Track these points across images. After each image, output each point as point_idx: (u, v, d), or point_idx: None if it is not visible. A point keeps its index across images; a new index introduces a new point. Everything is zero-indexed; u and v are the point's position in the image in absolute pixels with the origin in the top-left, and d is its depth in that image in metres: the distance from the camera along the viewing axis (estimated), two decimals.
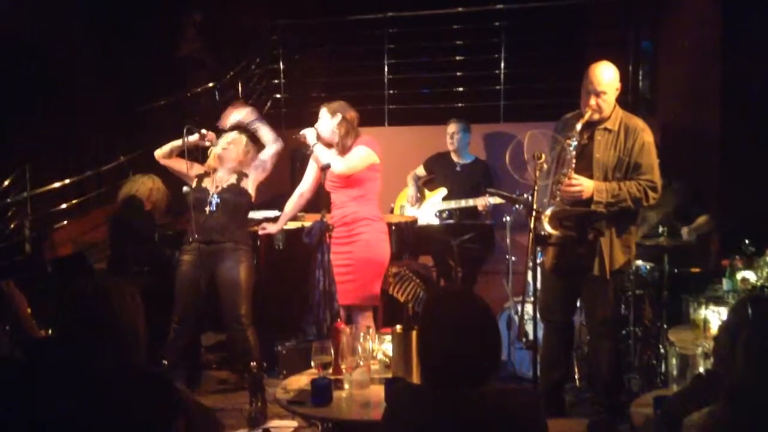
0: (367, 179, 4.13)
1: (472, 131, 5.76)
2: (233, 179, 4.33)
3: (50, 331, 2.66)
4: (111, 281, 2.08)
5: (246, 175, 4.36)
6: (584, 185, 3.63)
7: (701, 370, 2.80)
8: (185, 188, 4.34)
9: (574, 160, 3.65)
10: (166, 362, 4.16)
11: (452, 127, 5.59)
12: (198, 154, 4.41)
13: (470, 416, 1.84)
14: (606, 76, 3.72)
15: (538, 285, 3.65)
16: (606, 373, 3.85)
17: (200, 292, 4.19)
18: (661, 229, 4.26)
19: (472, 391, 1.87)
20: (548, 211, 3.53)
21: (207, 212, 4.20)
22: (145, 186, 4.98)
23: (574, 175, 3.64)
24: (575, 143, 3.67)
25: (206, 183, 4.30)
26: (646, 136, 3.71)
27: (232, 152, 4.32)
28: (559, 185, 3.67)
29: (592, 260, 3.73)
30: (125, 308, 2.00)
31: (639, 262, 4.38)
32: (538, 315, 3.48)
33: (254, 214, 5.18)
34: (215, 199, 4.22)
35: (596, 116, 3.72)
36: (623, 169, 3.69)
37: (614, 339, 3.89)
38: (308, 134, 4.11)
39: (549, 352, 3.95)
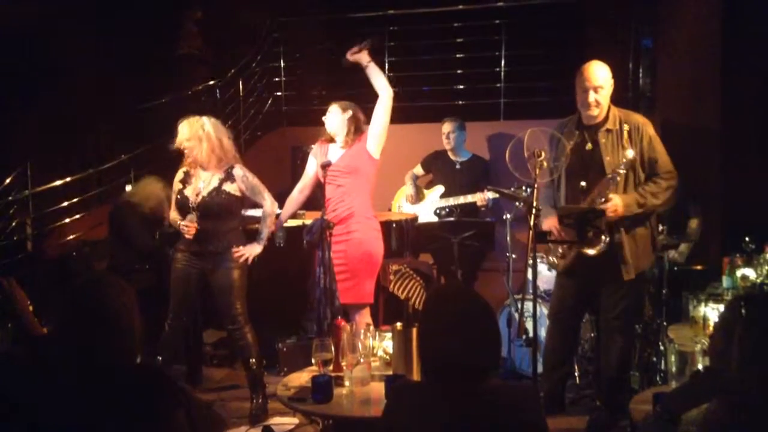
0: (367, 173, 4.22)
1: (472, 129, 5.79)
2: (215, 182, 4.09)
3: (54, 325, 2.67)
4: (106, 278, 2.09)
5: (233, 179, 4.10)
6: (617, 205, 3.61)
7: (700, 367, 2.81)
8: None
9: (608, 190, 3.64)
10: (160, 359, 4.17)
11: (447, 127, 5.60)
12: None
13: (470, 412, 1.85)
14: (600, 72, 3.73)
15: (539, 283, 3.65)
16: (614, 368, 3.83)
17: (194, 290, 4.19)
18: (660, 227, 4.26)
19: (471, 387, 1.88)
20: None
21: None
22: (144, 190, 4.97)
23: (610, 195, 3.62)
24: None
25: (188, 189, 4.11)
26: (648, 129, 3.71)
27: (201, 149, 4.07)
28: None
29: (612, 265, 3.70)
30: (120, 305, 2.00)
31: None
32: (538, 312, 3.48)
33: (255, 212, 5.18)
34: (194, 211, 4.05)
35: (595, 111, 3.72)
36: (636, 168, 3.67)
37: (627, 336, 3.87)
38: (364, 53, 4.22)
39: (554, 351, 3.94)
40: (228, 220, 4.15)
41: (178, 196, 4.14)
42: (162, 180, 4.96)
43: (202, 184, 4.09)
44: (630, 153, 3.63)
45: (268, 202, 4.21)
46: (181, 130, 4.09)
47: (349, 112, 4.24)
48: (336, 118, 4.24)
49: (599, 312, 3.96)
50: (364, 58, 4.23)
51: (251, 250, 4.13)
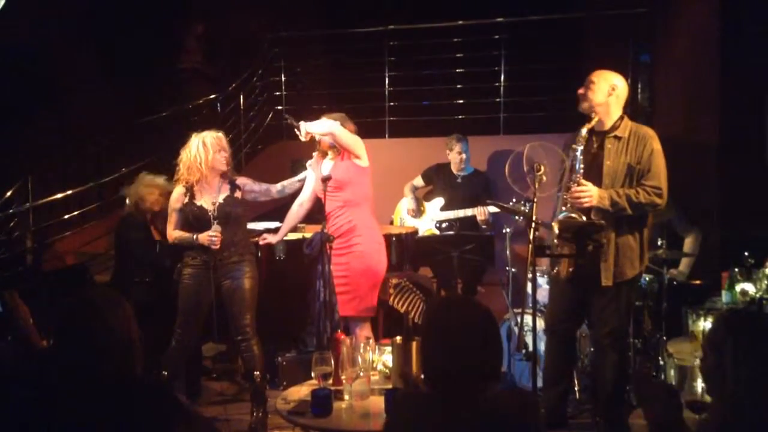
0: (355, 184, 4.19)
1: (472, 143, 5.83)
2: (227, 190, 4.23)
3: (52, 342, 2.67)
4: (100, 292, 2.09)
5: (238, 188, 4.25)
6: (592, 191, 3.64)
7: (699, 381, 2.81)
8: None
9: (582, 166, 3.66)
10: (165, 373, 4.16)
11: (459, 146, 5.65)
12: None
13: (470, 420, 1.86)
14: (602, 71, 3.80)
15: (538, 296, 3.65)
16: (609, 385, 3.81)
17: (205, 308, 4.17)
18: (660, 242, 4.27)
19: (472, 395, 1.89)
20: (556, 220, 3.53)
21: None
22: (133, 188, 4.92)
23: (583, 181, 3.65)
24: (581, 148, 3.69)
25: (201, 201, 4.17)
26: (655, 143, 3.72)
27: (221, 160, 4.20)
28: (568, 192, 3.68)
29: (598, 270, 3.71)
30: (115, 319, 2.00)
31: None
32: (538, 326, 3.48)
33: (255, 225, 5.19)
34: (215, 218, 4.11)
35: (584, 105, 3.76)
36: (633, 177, 3.69)
37: (620, 351, 3.85)
38: (302, 126, 4.20)
39: (553, 366, 3.93)
40: (242, 229, 4.28)
41: (194, 208, 4.15)
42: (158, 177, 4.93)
43: (215, 194, 4.17)
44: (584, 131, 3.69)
45: (275, 186, 4.41)
46: (225, 144, 4.22)
47: (338, 124, 4.23)
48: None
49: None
50: (300, 130, 4.22)
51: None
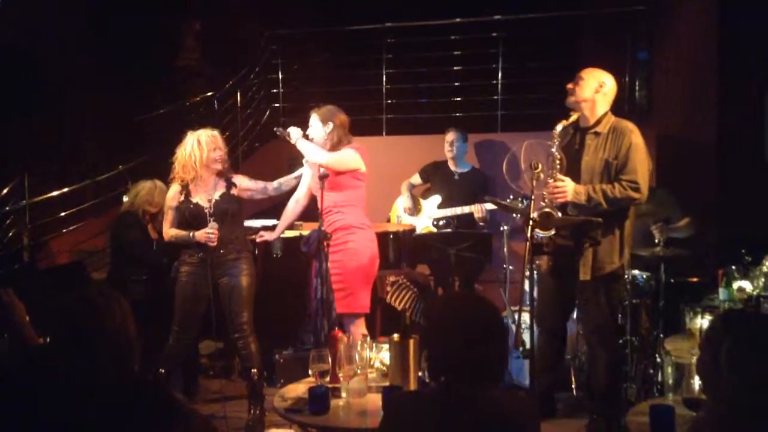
0: (350, 187, 4.18)
1: (469, 141, 5.81)
2: (223, 187, 4.22)
3: (48, 339, 2.66)
4: (97, 291, 2.07)
5: (234, 185, 4.24)
6: (567, 187, 3.66)
7: (696, 379, 2.81)
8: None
9: (557, 162, 3.68)
10: (162, 371, 4.15)
11: (451, 136, 5.64)
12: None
13: (467, 421, 1.86)
14: (592, 69, 3.82)
15: (535, 294, 3.66)
16: (603, 382, 3.84)
17: (203, 305, 4.16)
18: (657, 240, 4.27)
19: (472, 392, 1.89)
20: (534, 214, 3.54)
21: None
22: (145, 190, 4.92)
23: (559, 177, 3.67)
24: (556, 144, 3.72)
25: (197, 198, 4.16)
26: (634, 137, 3.73)
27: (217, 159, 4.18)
28: (545, 187, 3.71)
29: (578, 264, 3.74)
30: (113, 317, 1.98)
31: (635, 272, 4.39)
32: (535, 323, 3.49)
33: (252, 223, 5.18)
34: (212, 215, 4.10)
35: (570, 99, 3.78)
36: (611, 172, 3.70)
37: (610, 348, 3.89)
38: (292, 132, 4.17)
39: (540, 357, 3.95)
40: (239, 226, 4.28)
41: (191, 206, 4.14)
42: (158, 180, 4.93)
43: (210, 191, 4.16)
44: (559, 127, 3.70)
45: (271, 183, 4.37)
46: (220, 142, 4.20)
47: (330, 125, 4.16)
48: (316, 131, 4.19)
49: None
50: (291, 138, 4.19)
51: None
